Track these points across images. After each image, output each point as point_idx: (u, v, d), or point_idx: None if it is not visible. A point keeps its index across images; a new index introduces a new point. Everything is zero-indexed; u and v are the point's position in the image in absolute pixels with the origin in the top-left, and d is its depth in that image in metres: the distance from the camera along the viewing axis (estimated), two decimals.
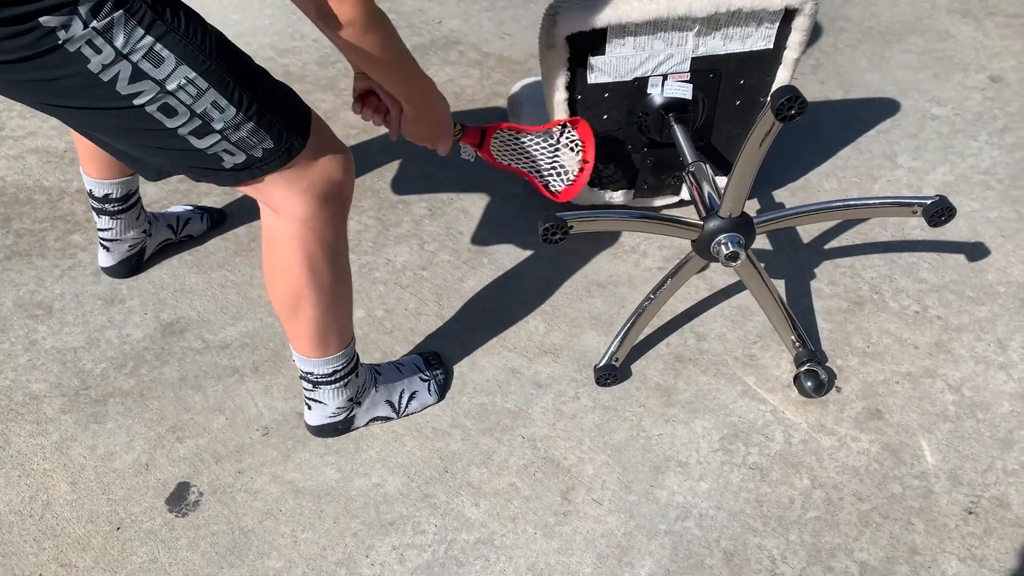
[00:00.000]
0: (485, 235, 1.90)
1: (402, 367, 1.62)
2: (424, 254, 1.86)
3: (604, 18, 1.56)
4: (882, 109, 2.26)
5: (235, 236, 1.89)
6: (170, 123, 1.08)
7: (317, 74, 2.29)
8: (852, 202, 1.63)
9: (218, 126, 1.10)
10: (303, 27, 2.44)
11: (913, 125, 2.20)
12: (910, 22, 2.55)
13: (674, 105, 1.71)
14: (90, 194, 1.69)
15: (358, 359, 1.50)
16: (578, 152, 1.60)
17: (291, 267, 1.29)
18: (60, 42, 0.97)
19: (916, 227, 1.93)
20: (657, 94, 1.71)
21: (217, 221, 1.94)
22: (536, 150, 1.59)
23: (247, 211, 1.94)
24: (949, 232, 1.92)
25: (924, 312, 1.76)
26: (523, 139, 1.57)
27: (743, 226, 1.50)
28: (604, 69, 1.66)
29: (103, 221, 1.72)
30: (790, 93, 1.23)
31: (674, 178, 1.89)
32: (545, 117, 1.79)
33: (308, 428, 1.55)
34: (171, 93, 1.05)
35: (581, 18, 1.56)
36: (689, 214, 1.71)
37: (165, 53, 1.03)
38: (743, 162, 1.40)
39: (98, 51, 0.99)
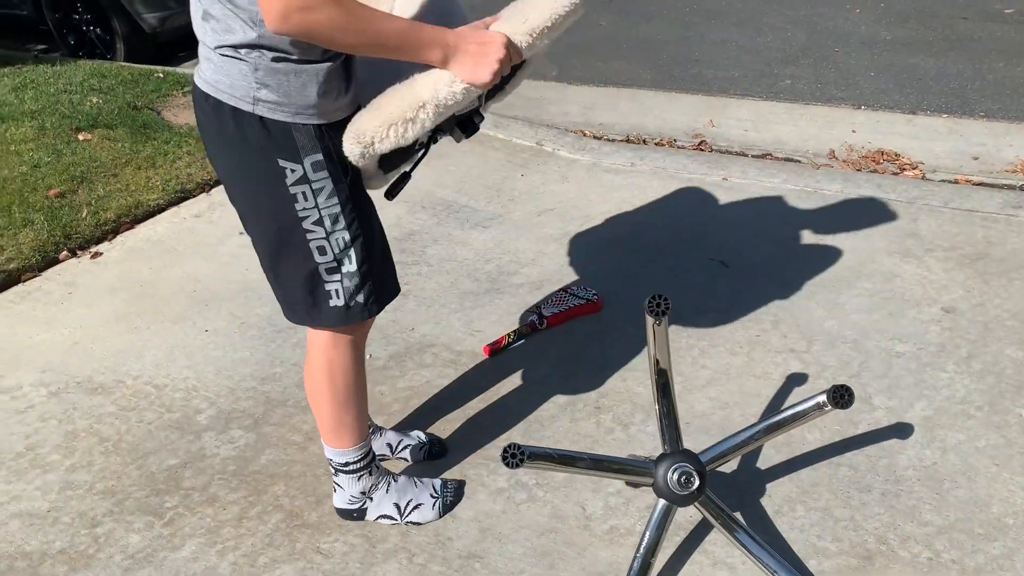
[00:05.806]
0: (475, 537, 1.85)
1: (420, 482, 1.91)
2: (414, 568, 1.79)
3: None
4: (847, 354, 2.31)
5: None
6: (312, 235, 1.52)
7: (298, 396, 2.35)
8: (774, 420, 1.71)
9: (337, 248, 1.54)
10: (282, 353, 2.54)
11: (881, 365, 2.25)
12: (855, 268, 2.69)
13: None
14: None
15: (374, 460, 1.85)
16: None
17: (316, 371, 1.71)
18: (286, 179, 1.47)
19: (908, 467, 1.90)
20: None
21: (436, 455, 2.08)
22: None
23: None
24: (943, 468, 1.89)
25: (937, 557, 1.68)
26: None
27: (690, 457, 1.65)
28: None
29: None
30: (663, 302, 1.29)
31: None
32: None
33: (335, 509, 1.91)
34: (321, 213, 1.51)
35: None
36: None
37: (334, 199, 1.50)
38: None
39: (305, 195, 1.49)
